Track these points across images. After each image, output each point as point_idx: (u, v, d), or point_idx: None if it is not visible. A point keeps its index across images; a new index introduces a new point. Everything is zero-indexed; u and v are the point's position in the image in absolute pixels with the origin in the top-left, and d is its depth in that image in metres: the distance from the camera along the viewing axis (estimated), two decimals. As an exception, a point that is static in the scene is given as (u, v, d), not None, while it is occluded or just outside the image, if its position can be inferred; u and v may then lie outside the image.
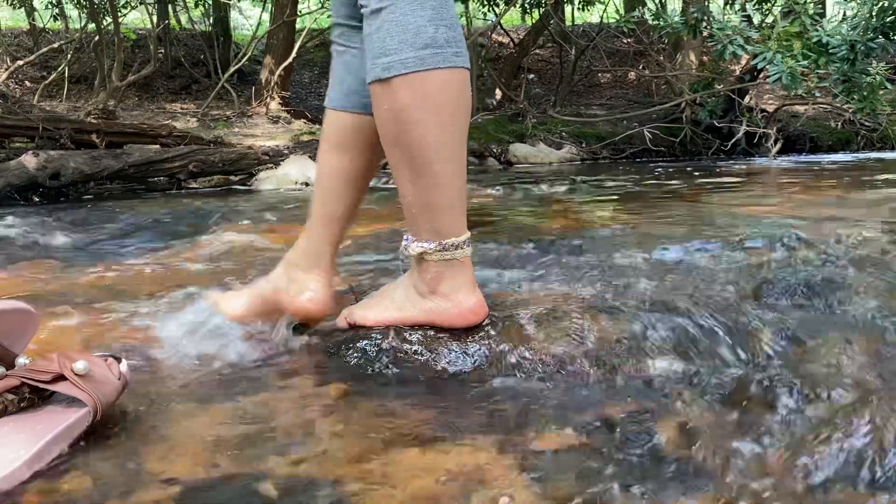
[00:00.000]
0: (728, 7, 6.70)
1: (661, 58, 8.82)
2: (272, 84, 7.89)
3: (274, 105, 7.78)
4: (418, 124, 0.97)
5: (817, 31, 4.20)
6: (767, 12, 6.15)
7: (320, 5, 8.55)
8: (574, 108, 8.08)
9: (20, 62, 7.96)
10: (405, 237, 1.06)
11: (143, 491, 0.71)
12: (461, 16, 9.65)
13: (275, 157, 4.41)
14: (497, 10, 8.30)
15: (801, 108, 7.04)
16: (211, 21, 9.76)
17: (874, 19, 3.98)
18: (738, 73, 7.06)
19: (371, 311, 1.12)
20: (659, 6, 7.12)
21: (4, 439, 0.76)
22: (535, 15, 8.59)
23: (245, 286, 1.28)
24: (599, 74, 9.51)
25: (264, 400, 0.94)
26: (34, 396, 0.83)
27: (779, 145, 6.26)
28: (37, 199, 3.40)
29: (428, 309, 1.06)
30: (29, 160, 3.33)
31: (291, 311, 1.15)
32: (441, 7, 0.97)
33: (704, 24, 4.76)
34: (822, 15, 5.96)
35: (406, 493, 0.69)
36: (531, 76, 9.27)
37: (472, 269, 1.08)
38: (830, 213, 2.15)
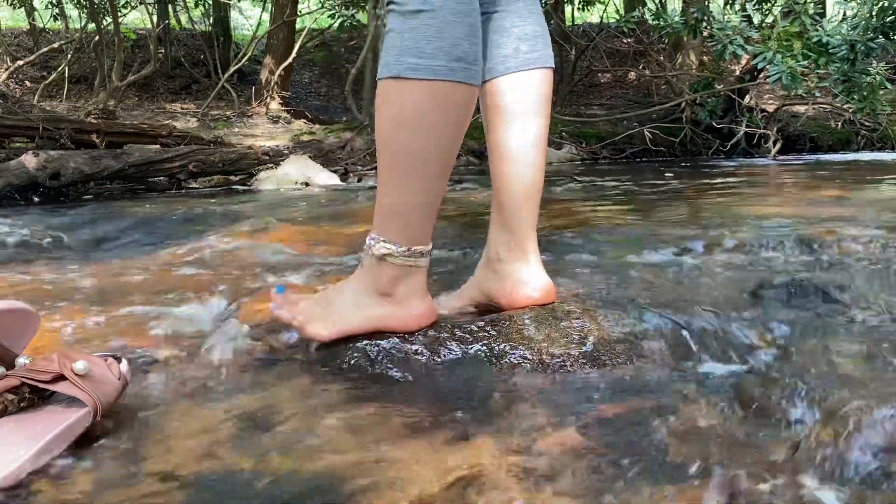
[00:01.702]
0: (728, 7, 6.70)
1: (661, 58, 8.83)
2: (272, 84, 7.89)
3: (274, 105, 7.79)
4: (429, 130, 0.97)
5: (817, 31, 4.20)
6: (767, 12, 6.16)
7: (320, 5, 8.55)
8: (574, 108, 8.08)
9: (20, 62, 7.97)
10: (371, 236, 1.04)
11: (143, 490, 0.71)
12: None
13: (275, 157, 4.41)
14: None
15: (801, 108, 7.04)
16: (211, 21, 9.77)
17: (874, 19, 3.99)
18: (738, 73, 7.07)
19: (321, 327, 1.06)
20: (659, 6, 7.12)
21: (4, 439, 0.76)
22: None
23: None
24: (599, 74, 9.51)
25: (264, 399, 0.94)
26: (34, 396, 0.83)
27: (779, 145, 6.26)
28: (37, 199, 3.40)
29: (380, 315, 1.05)
30: (29, 160, 3.33)
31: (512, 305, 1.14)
32: (476, 26, 0.98)
33: (704, 24, 4.77)
34: (822, 15, 5.96)
35: (406, 493, 0.69)
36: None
37: (426, 276, 1.07)
38: (830, 213, 2.15)
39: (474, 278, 1.21)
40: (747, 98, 6.61)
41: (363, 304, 1.05)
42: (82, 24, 8.58)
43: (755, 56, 4.36)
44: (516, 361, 1.02)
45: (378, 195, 1.03)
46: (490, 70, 1.10)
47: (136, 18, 10.34)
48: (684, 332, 1.07)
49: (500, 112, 1.10)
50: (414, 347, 1.05)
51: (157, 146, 4.10)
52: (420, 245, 1.03)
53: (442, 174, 1.01)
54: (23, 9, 8.66)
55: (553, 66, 1.12)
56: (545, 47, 1.11)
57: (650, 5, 8.27)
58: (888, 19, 3.95)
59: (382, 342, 1.06)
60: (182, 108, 8.07)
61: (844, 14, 4.59)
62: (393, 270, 1.03)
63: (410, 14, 0.96)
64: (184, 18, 10.16)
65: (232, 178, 4.17)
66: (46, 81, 7.85)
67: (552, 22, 8.12)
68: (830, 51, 4.10)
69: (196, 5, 9.57)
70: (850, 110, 6.09)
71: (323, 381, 1.00)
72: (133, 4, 8.85)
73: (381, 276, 1.03)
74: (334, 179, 4.11)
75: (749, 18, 5.12)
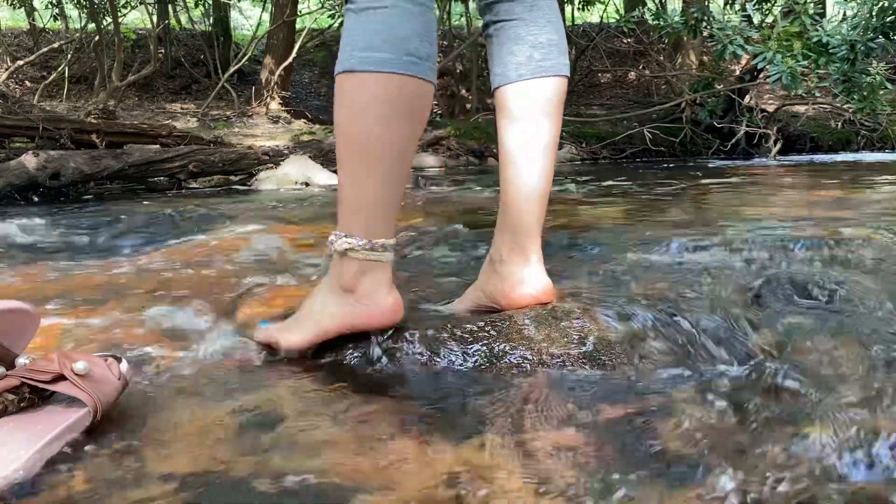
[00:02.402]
0: (728, 7, 6.70)
1: (661, 58, 8.83)
2: (272, 84, 7.89)
3: (274, 105, 7.79)
4: (382, 122, 0.99)
5: (817, 31, 4.20)
6: (767, 12, 6.16)
7: (320, 5, 8.55)
8: (574, 108, 8.08)
9: (20, 62, 7.97)
10: (333, 234, 1.04)
11: (143, 490, 0.71)
12: (461, 16, 9.65)
13: (275, 157, 4.41)
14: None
15: (801, 108, 7.04)
16: (211, 21, 9.77)
17: (874, 19, 3.99)
18: (738, 73, 7.07)
19: (294, 334, 1.07)
20: (659, 6, 7.12)
21: (4, 439, 0.76)
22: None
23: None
24: (599, 74, 9.51)
25: (264, 399, 0.93)
26: (34, 396, 0.83)
27: (779, 145, 6.26)
28: (37, 199, 3.40)
29: (347, 312, 1.04)
30: (29, 160, 3.33)
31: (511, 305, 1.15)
32: (428, 25, 1.01)
33: (704, 24, 4.77)
34: (822, 15, 5.96)
35: (406, 493, 0.69)
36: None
37: (391, 271, 1.07)
38: (830, 213, 2.15)
39: (478, 281, 1.21)
40: (747, 98, 6.61)
41: (329, 303, 1.05)
42: (82, 24, 8.58)
43: (755, 56, 4.36)
44: (516, 361, 1.02)
45: (338, 191, 1.05)
46: (504, 76, 1.12)
47: (136, 18, 10.35)
48: (684, 333, 1.07)
49: (511, 117, 1.12)
50: (414, 347, 1.05)
51: (157, 146, 4.11)
52: (382, 238, 1.03)
53: (399, 166, 1.03)
54: (23, 9, 8.66)
55: (567, 74, 1.13)
56: (559, 56, 1.12)
57: (650, 5, 8.27)
58: (888, 19, 3.95)
59: (383, 343, 1.06)
60: (182, 108, 8.07)
61: (844, 14, 4.59)
62: (356, 265, 1.03)
63: (363, 11, 0.99)
64: (184, 18, 10.17)
65: (232, 178, 4.17)
66: (46, 81, 7.85)
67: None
68: (830, 51, 4.11)
69: (196, 5, 9.58)
70: (850, 110, 6.09)
71: (322, 381, 1.00)
72: (133, 4, 8.85)
73: (344, 272, 1.03)
74: (334, 179, 4.10)
75: (749, 18, 5.12)
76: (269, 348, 1.09)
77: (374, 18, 0.98)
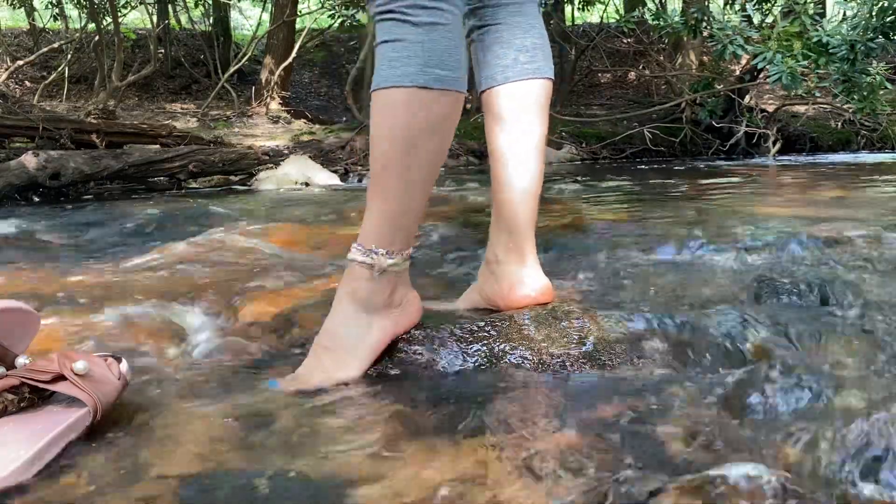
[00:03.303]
0: (728, 7, 6.70)
1: (661, 58, 8.83)
2: (272, 84, 7.89)
3: (274, 105, 7.79)
4: (447, 137, 1.00)
5: (817, 31, 4.20)
6: (767, 12, 6.15)
7: (320, 5, 8.55)
8: (574, 108, 8.08)
9: (20, 62, 7.97)
10: (369, 248, 1.00)
11: (143, 490, 0.71)
12: (461, 16, 9.62)
13: (275, 157, 4.41)
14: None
15: (801, 108, 7.04)
16: (211, 21, 9.77)
17: (874, 19, 3.99)
18: (738, 73, 7.06)
19: (350, 368, 1.01)
20: (659, 6, 7.12)
21: (4, 439, 0.76)
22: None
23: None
24: (599, 74, 9.51)
25: (264, 399, 0.93)
26: (34, 396, 0.83)
27: (778, 145, 6.26)
28: (37, 199, 3.40)
29: (387, 326, 1.03)
30: (29, 160, 3.33)
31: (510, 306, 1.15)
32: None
33: (704, 24, 4.77)
34: (822, 15, 5.96)
35: (406, 493, 0.69)
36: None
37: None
38: (830, 213, 2.15)
39: (475, 283, 1.22)
40: (747, 98, 6.61)
41: (373, 324, 1.02)
42: (82, 24, 8.58)
43: (755, 56, 4.36)
44: (516, 361, 1.02)
45: (378, 205, 1.00)
46: (491, 79, 1.14)
47: (136, 18, 10.35)
48: (684, 332, 1.07)
49: (499, 118, 1.13)
50: (414, 347, 1.05)
51: (157, 146, 4.11)
52: (412, 247, 1.04)
53: (435, 177, 1.04)
54: (23, 9, 8.66)
55: (552, 77, 1.16)
56: (544, 59, 1.15)
57: (650, 5, 8.27)
58: (888, 19, 3.95)
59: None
60: (182, 108, 8.07)
61: (844, 14, 4.59)
62: (394, 279, 1.02)
63: (427, 26, 0.96)
64: (184, 18, 10.17)
65: (232, 178, 4.17)
66: (46, 81, 7.85)
67: (552, 22, 8.12)
68: (830, 51, 4.10)
69: (196, 5, 9.58)
70: (850, 110, 6.09)
71: (323, 381, 1.00)
72: (133, 4, 8.85)
73: (384, 289, 1.01)
74: (334, 179, 4.12)
75: (749, 18, 5.12)
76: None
77: (441, 35, 0.97)
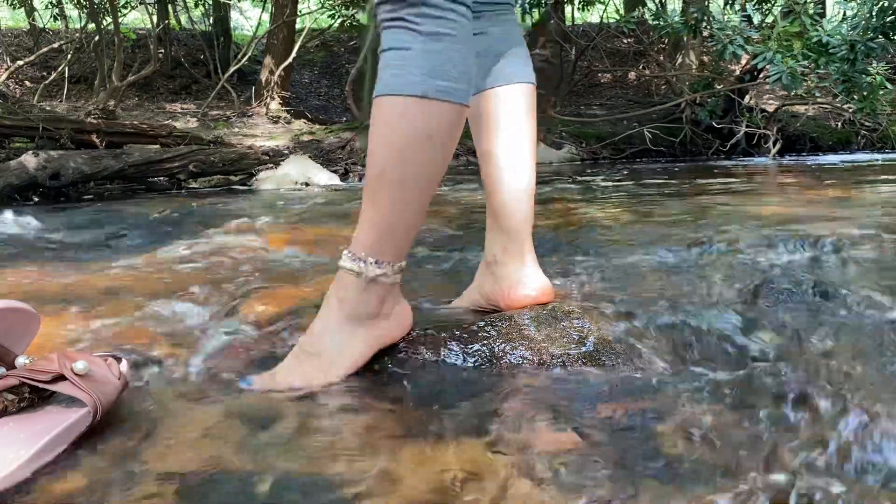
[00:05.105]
0: (728, 7, 6.70)
1: (661, 58, 8.83)
2: (272, 84, 7.89)
3: (274, 105, 7.79)
4: (450, 149, 1.00)
5: (817, 31, 4.20)
6: (767, 12, 6.16)
7: (320, 5, 8.55)
8: (574, 108, 8.08)
9: (20, 62, 7.97)
10: (358, 257, 0.99)
11: (143, 490, 0.71)
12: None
13: (275, 157, 4.41)
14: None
15: (801, 108, 7.04)
16: (211, 21, 9.77)
17: (874, 19, 3.99)
18: (738, 73, 7.06)
19: (329, 375, 0.99)
20: (659, 6, 7.12)
21: (4, 439, 0.76)
22: (535, 15, 8.59)
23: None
24: (599, 74, 9.51)
25: (263, 398, 0.94)
26: (34, 396, 0.83)
27: (778, 145, 6.26)
28: (37, 199, 3.40)
29: (376, 335, 1.02)
30: (29, 160, 3.33)
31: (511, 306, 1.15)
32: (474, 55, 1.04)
33: (704, 24, 4.77)
34: (822, 15, 5.97)
35: (405, 493, 0.69)
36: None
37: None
38: (830, 213, 2.15)
39: (474, 284, 1.22)
40: (747, 98, 6.61)
41: (357, 334, 1.01)
42: (82, 24, 8.58)
43: (755, 56, 4.36)
44: (516, 361, 1.02)
45: (372, 215, 0.99)
46: (475, 85, 1.15)
47: (136, 18, 10.35)
48: (684, 332, 1.07)
49: (488, 122, 1.15)
50: (414, 348, 1.05)
51: (157, 146, 4.11)
52: (404, 260, 1.03)
53: (436, 188, 1.04)
54: (23, 9, 8.67)
55: (534, 82, 1.18)
56: (525, 66, 1.18)
57: (650, 5, 8.27)
58: (888, 19, 3.95)
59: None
60: (182, 108, 8.08)
61: (844, 14, 4.59)
62: (383, 290, 1.01)
63: (433, 36, 0.96)
64: (184, 18, 10.17)
65: (232, 178, 4.17)
66: (46, 81, 7.85)
67: (552, 22, 8.12)
68: (830, 51, 4.11)
69: (196, 5, 9.58)
70: (850, 110, 6.09)
71: (323, 381, 1.00)
72: (133, 4, 8.86)
73: (371, 299, 1.00)
74: (334, 179, 4.12)
75: (749, 18, 5.12)
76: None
77: (446, 46, 0.96)
